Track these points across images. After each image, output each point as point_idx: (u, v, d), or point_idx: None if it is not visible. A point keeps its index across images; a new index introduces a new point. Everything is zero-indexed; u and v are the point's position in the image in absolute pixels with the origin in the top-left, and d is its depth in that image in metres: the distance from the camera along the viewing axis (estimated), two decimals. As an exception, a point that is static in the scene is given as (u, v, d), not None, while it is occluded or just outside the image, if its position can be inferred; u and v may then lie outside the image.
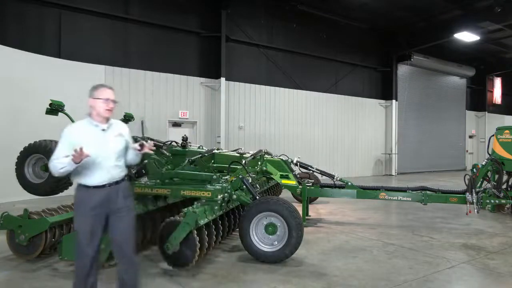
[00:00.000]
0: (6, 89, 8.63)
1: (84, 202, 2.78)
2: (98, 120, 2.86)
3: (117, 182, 2.87)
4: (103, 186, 2.80)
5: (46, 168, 5.27)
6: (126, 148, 2.97)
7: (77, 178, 2.81)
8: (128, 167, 5.21)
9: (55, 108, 5.80)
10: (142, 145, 2.94)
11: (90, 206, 2.77)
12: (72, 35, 10.35)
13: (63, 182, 5.51)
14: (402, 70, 18.52)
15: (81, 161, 2.62)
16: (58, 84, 9.51)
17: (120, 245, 2.89)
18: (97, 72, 10.59)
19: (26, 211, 4.35)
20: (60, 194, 5.97)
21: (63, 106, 5.91)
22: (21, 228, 4.29)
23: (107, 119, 2.89)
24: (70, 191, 6.12)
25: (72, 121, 6.14)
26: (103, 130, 2.86)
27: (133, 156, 3.03)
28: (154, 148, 3.18)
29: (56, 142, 5.66)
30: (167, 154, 6.49)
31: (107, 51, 10.95)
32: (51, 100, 5.81)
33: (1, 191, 8.04)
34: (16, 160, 5.69)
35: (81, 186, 2.81)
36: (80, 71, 10.18)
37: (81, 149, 2.57)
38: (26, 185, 5.75)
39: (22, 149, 5.60)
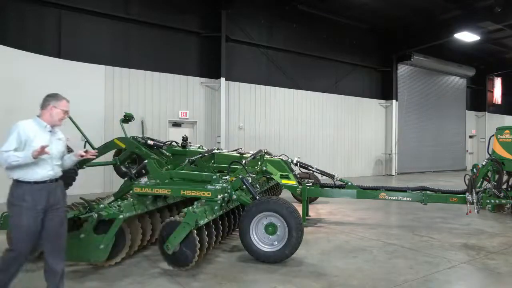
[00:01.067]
0: (6, 89, 8.62)
1: (29, 197, 2.91)
2: (47, 123, 3.11)
3: (56, 180, 3.12)
4: (45, 182, 3.00)
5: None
6: (63, 152, 3.29)
7: (17, 174, 2.93)
8: (128, 167, 5.49)
9: (55, 108, 5.80)
10: (86, 151, 3.32)
11: (35, 201, 2.92)
12: (72, 35, 10.35)
13: (65, 182, 5.52)
14: (402, 70, 18.52)
15: (37, 158, 2.86)
16: (58, 84, 9.50)
17: (54, 238, 3.06)
18: (97, 72, 10.61)
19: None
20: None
21: (63, 106, 5.91)
22: (21, 228, 4.28)
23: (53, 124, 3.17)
24: (71, 191, 6.13)
25: (72, 121, 6.16)
26: (50, 131, 3.14)
27: (69, 161, 3.32)
28: (97, 154, 3.60)
29: None
30: (167, 154, 6.50)
31: (107, 51, 10.94)
32: (51, 100, 5.81)
33: (1, 191, 8.03)
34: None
35: (21, 182, 2.94)
36: (80, 71, 10.18)
37: (44, 147, 2.82)
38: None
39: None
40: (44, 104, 3.14)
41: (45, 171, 3.00)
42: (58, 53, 10.09)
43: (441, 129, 20.49)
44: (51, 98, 3.15)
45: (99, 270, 4.07)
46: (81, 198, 4.42)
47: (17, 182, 2.94)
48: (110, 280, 3.81)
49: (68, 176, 5.51)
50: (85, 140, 6.24)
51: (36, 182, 2.95)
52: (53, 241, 3.06)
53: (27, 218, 2.89)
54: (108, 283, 3.72)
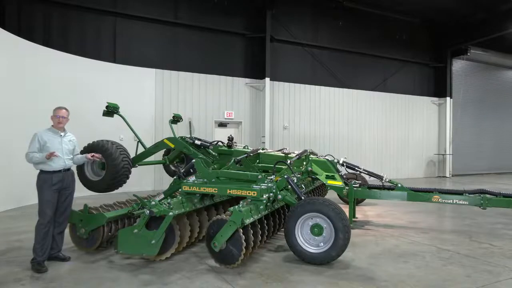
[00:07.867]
0: (70, 93, 9.28)
1: (48, 182, 4.17)
2: (57, 129, 4.36)
3: (68, 169, 4.40)
4: (59, 171, 4.27)
5: (103, 166, 5.62)
6: (74, 150, 4.56)
7: (41, 166, 4.20)
8: (176, 166, 6.03)
9: (111, 110, 6.16)
10: (92, 155, 4.70)
11: (52, 184, 4.18)
12: (126, 41, 10.97)
13: (117, 180, 5.86)
14: (458, 65, 17.44)
15: (49, 158, 4.15)
16: (114, 87, 10.11)
17: (65, 209, 4.40)
18: (148, 75, 11.13)
19: (86, 206, 4.66)
20: (115, 191, 6.34)
21: (118, 108, 6.26)
22: (81, 222, 4.60)
23: (63, 129, 4.43)
24: (125, 188, 6.47)
25: (126, 122, 6.51)
26: (61, 135, 4.39)
27: (81, 160, 4.67)
28: (100, 157, 5.01)
29: (112, 143, 6.02)
30: (214, 153, 6.65)
31: (157, 55, 11.45)
32: (107, 102, 6.18)
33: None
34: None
35: (44, 171, 4.21)
36: (133, 75, 10.75)
37: (52, 153, 4.12)
38: (85, 182, 6.17)
39: (82, 149, 6.02)
40: (52, 116, 4.39)
41: (59, 164, 4.25)
42: (114, 58, 10.74)
43: (502, 128, 19.04)
44: (53, 110, 4.36)
45: (151, 264, 4.27)
46: (134, 195, 4.66)
47: (41, 171, 4.21)
48: (161, 274, 3.98)
49: (122, 174, 5.84)
50: (138, 140, 6.56)
51: (54, 171, 4.22)
52: (63, 210, 4.37)
53: (48, 195, 4.15)
54: (159, 277, 3.89)
